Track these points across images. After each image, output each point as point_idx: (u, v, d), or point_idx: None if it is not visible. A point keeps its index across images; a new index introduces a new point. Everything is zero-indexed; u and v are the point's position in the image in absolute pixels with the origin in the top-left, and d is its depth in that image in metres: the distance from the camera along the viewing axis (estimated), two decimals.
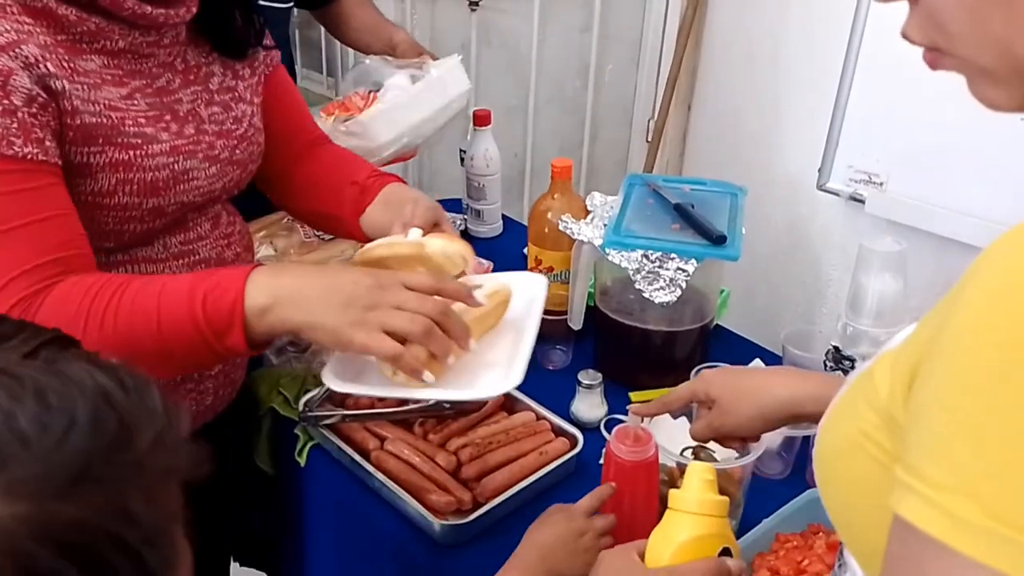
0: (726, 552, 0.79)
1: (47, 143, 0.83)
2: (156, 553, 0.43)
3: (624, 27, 2.45)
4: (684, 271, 1.23)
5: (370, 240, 1.06)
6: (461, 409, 1.18)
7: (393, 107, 1.53)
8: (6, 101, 0.80)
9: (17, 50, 0.81)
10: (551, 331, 1.38)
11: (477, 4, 2.21)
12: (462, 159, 1.81)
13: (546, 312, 1.39)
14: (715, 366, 1.23)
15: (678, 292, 1.23)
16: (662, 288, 1.23)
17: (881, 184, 1.78)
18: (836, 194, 1.86)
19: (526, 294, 1.04)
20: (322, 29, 2.59)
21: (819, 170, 1.88)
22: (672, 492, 0.81)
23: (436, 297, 0.86)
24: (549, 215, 1.41)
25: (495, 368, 0.94)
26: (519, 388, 1.20)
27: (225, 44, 1.04)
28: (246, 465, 1.28)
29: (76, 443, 0.41)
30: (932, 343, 0.43)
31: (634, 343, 1.34)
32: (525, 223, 1.55)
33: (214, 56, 1.04)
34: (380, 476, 1.09)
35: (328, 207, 1.16)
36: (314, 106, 2.16)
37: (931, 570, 0.40)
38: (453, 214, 1.82)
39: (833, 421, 0.57)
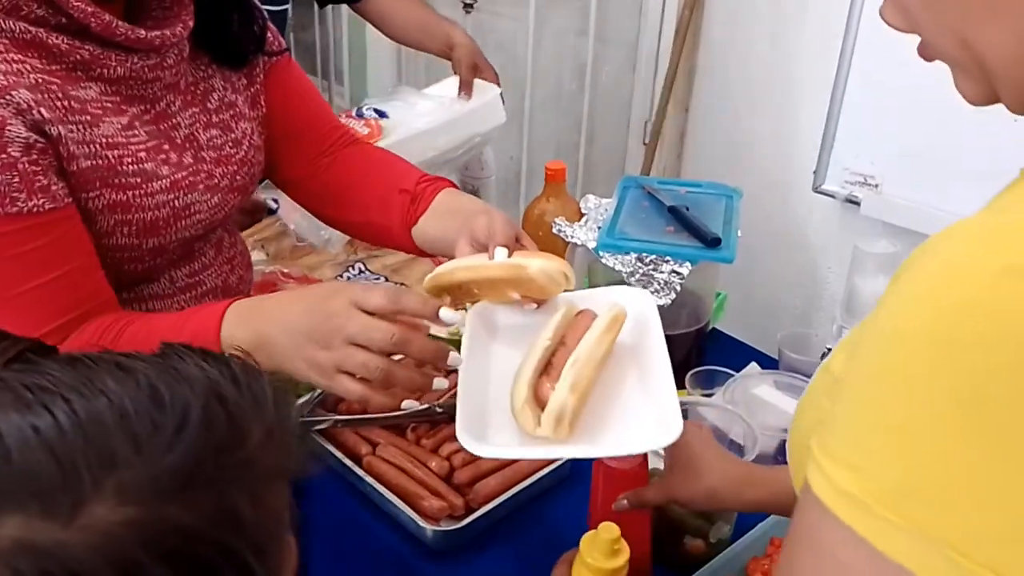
0: None
1: (53, 187, 0.81)
2: (263, 560, 0.41)
3: (620, 30, 2.44)
4: (679, 274, 1.22)
5: (423, 252, 1.02)
6: (454, 414, 1.17)
7: (421, 133, 1.49)
8: (3, 155, 0.77)
9: (8, 96, 0.78)
10: None
11: (472, 6, 2.20)
12: None
13: None
14: (714, 370, 1.23)
15: (673, 295, 1.22)
16: (657, 291, 1.22)
17: (876, 186, 1.78)
18: (832, 196, 1.86)
19: (632, 313, 0.88)
20: (317, 32, 2.60)
21: (814, 172, 1.88)
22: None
23: (396, 323, 0.78)
24: (544, 218, 1.40)
25: (641, 414, 0.81)
26: None
27: (225, 54, 1.00)
28: None
29: (187, 444, 0.39)
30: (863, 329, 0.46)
31: None
32: (520, 226, 1.54)
33: (213, 69, 1.00)
34: (372, 481, 1.08)
35: (372, 215, 1.08)
36: None
37: (817, 534, 0.43)
38: None
39: (799, 414, 0.59)
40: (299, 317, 0.78)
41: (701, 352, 1.35)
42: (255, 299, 0.86)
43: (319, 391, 1.18)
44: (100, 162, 0.85)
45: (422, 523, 1.02)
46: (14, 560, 0.33)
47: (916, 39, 0.52)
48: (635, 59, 2.49)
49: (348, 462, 1.11)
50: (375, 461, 1.11)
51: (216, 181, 0.97)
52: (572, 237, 1.29)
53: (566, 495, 1.09)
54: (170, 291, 0.98)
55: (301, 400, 1.19)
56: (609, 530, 0.79)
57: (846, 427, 0.43)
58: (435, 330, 1.11)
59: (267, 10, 1.62)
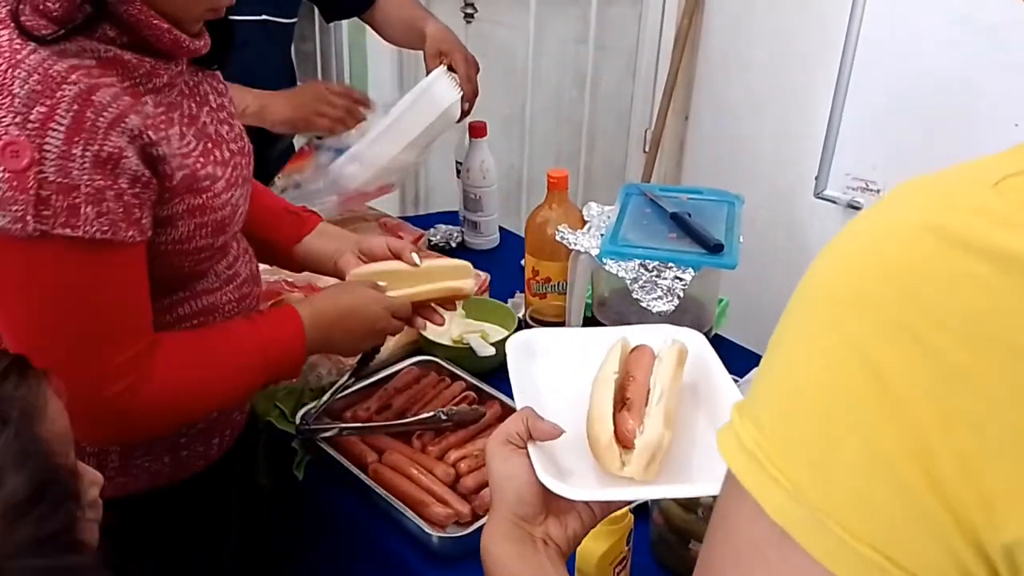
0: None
1: (143, 222, 0.85)
2: None
3: (620, 38, 2.45)
4: (681, 280, 1.23)
5: (300, 268, 1.24)
6: (459, 421, 1.17)
7: (386, 128, 1.53)
8: (116, 186, 0.81)
9: (123, 124, 0.81)
10: None
11: (472, 16, 2.21)
12: (458, 171, 1.81)
13: (543, 323, 1.40)
14: None
15: (676, 301, 1.23)
16: (660, 297, 1.23)
17: (878, 191, 1.78)
18: (833, 202, 1.86)
19: (694, 353, 0.85)
20: (318, 43, 2.61)
21: (816, 178, 1.88)
22: None
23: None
24: (546, 226, 1.40)
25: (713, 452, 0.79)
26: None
27: (211, 55, 1.01)
28: (249, 479, 1.27)
29: None
30: None
31: None
32: (523, 235, 1.55)
33: (199, 72, 1.01)
34: (378, 489, 1.08)
35: (262, 231, 1.18)
36: None
37: (722, 496, 0.41)
38: (450, 226, 1.82)
39: None
40: (354, 325, 1.09)
41: None
42: (317, 315, 1.05)
43: (325, 400, 1.19)
44: (187, 171, 0.89)
45: (428, 529, 1.02)
46: None
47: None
48: (635, 67, 2.50)
49: (354, 470, 1.11)
50: (381, 468, 1.11)
51: (244, 172, 1.02)
52: (575, 244, 1.30)
53: None
54: (216, 284, 1.02)
55: (307, 407, 1.19)
56: None
57: (759, 379, 0.40)
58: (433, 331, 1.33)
59: (278, 23, 1.64)
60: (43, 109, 0.76)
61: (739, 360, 1.40)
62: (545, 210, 1.43)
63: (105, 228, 0.81)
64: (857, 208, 1.81)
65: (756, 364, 1.49)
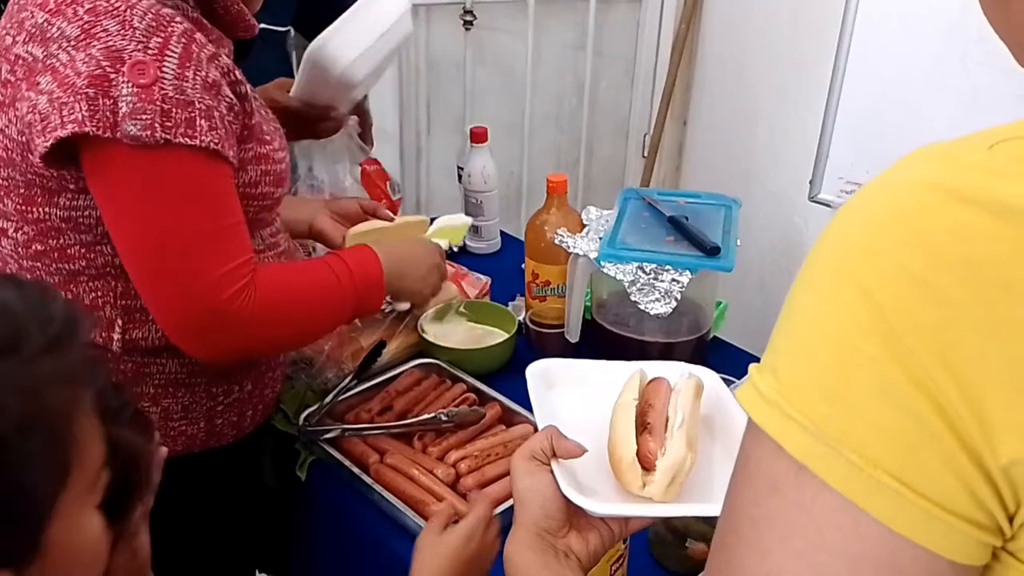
0: None
1: (233, 151, 0.93)
2: (26, 436, 0.49)
3: (618, 44, 2.47)
4: (679, 282, 1.24)
5: None
6: (460, 422, 1.19)
7: (337, 29, 1.37)
8: (219, 109, 0.89)
9: (218, 60, 0.91)
10: (548, 345, 1.40)
11: (471, 23, 2.23)
12: (459, 176, 1.83)
13: (543, 325, 1.42)
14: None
15: (673, 304, 1.24)
16: (657, 300, 1.24)
17: None
18: (828, 205, 1.88)
19: (709, 388, 0.87)
20: None
21: (810, 181, 1.90)
22: None
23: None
24: (545, 229, 1.42)
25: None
26: (517, 401, 1.22)
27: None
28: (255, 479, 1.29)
29: None
30: None
31: (631, 355, 1.34)
32: (523, 238, 1.56)
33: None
34: (380, 489, 1.09)
35: None
36: None
37: (745, 447, 0.43)
38: None
39: None
40: (420, 261, 1.25)
41: (702, 361, 1.37)
42: (387, 252, 1.15)
43: (327, 402, 1.20)
44: (257, 119, 0.98)
45: None
46: None
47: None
48: (633, 73, 2.52)
49: (356, 470, 1.13)
50: (382, 469, 1.13)
51: (287, 148, 1.08)
52: (574, 248, 1.31)
53: None
54: (261, 247, 1.08)
55: (310, 409, 1.21)
56: None
57: (775, 335, 0.43)
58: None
59: (270, 29, 1.66)
60: (159, 39, 0.86)
61: (737, 362, 1.41)
62: (545, 214, 1.45)
63: (216, 141, 0.89)
64: None
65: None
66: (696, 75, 2.37)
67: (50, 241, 0.96)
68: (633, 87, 2.54)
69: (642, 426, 0.77)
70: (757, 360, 1.26)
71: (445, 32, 2.26)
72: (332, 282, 1.06)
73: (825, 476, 0.38)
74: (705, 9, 2.28)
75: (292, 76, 1.85)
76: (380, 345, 1.30)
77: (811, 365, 0.39)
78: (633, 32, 2.46)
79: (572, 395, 0.88)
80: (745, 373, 1.43)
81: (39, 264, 0.97)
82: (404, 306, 1.34)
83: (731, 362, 1.39)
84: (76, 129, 0.84)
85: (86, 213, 0.94)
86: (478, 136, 1.76)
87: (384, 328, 1.36)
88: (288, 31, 1.74)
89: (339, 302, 1.08)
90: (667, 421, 0.78)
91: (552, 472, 0.73)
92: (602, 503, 0.73)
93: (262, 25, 1.61)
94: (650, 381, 0.85)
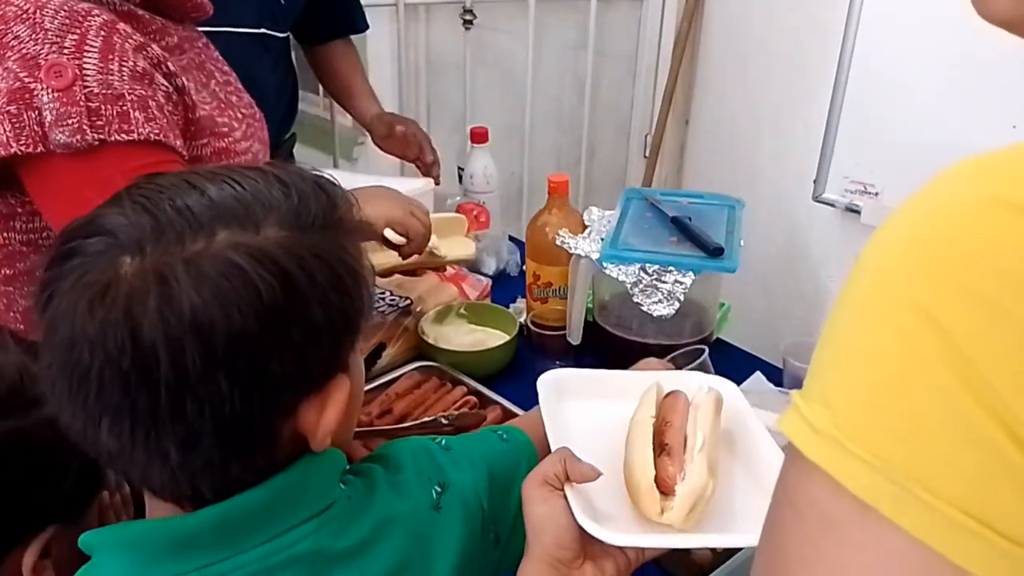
0: None
1: (178, 141, 0.89)
2: (356, 288, 0.60)
3: (619, 44, 2.46)
4: (682, 284, 1.23)
5: None
6: (460, 425, 1.18)
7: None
8: (155, 98, 0.84)
9: (147, 51, 0.85)
10: (550, 347, 1.38)
11: (471, 23, 2.22)
12: (460, 177, 1.82)
13: (544, 327, 1.40)
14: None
15: (676, 305, 1.23)
16: (660, 301, 1.23)
17: (876, 194, 1.78)
18: (832, 205, 1.87)
19: (728, 403, 0.85)
20: None
21: (814, 181, 1.89)
22: None
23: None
24: (547, 230, 1.41)
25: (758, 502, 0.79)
26: (519, 404, 1.20)
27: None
28: None
29: (310, 202, 0.59)
30: None
31: (633, 357, 1.33)
32: (524, 240, 1.55)
33: (202, 54, 1.04)
34: None
35: None
36: (309, 127, 2.18)
37: (794, 483, 0.40)
38: None
39: None
40: (382, 192, 1.25)
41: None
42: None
43: None
44: (206, 112, 0.93)
45: None
46: (232, 252, 0.53)
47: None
48: (634, 72, 2.51)
49: None
50: None
51: (260, 134, 1.05)
52: (576, 249, 1.30)
53: None
54: None
55: None
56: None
57: (820, 363, 0.40)
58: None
59: (277, 37, 1.65)
60: (75, 36, 0.81)
61: (740, 364, 1.40)
62: (546, 215, 1.43)
63: (156, 131, 0.84)
64: (855, 211, 1.81)
65: (756, 367, 1.48)
66: (698, 74, 2.36)
67: (17, 264, 0.93)
68: (634, 86, 2.53)
69: (660, 447, 0.74)
70: (761, 362, 1.24)
71: (445, 32, 2.25)
72: None
73: (894, 516, 0.35)
74: (707, 7, 2.27)
75: (292, 82, 1.85)
76: (380, 347, 1.28)
77: (870, 396, 0.37)
78: (634, 31, 2.45)
79: (585, 408, 0.85)
80: (748, 375, 1.41)
81: (12, 288, 0.94)
82: (405, 302, 1.32)
83: (734, 364, 1.38)
84: (2, 153, 0.79)
85: (44, 235, 0.90)
86: (479, 136, 1.75)
87: (384, 330, 1.35)
88: (287, 37, 1.73)
89: None
90: (686, 440, 0.75)
91: (566, 498, 0.70)
92: (619, 533, 0.69)
93: (262, 31, 1.62)
94: (667, 395, 0.81)
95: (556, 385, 0.86)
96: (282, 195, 0.58)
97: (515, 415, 1.21)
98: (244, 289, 0.52)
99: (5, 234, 0.90)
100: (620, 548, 0.71)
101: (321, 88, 2.49)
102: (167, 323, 0.51)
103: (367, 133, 1.82)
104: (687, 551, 0.99)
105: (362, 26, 1.86)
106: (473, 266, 1.59)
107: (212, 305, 0.51)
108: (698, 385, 0.83)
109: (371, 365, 1.25)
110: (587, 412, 0.84)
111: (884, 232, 0.39)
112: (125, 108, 0.82)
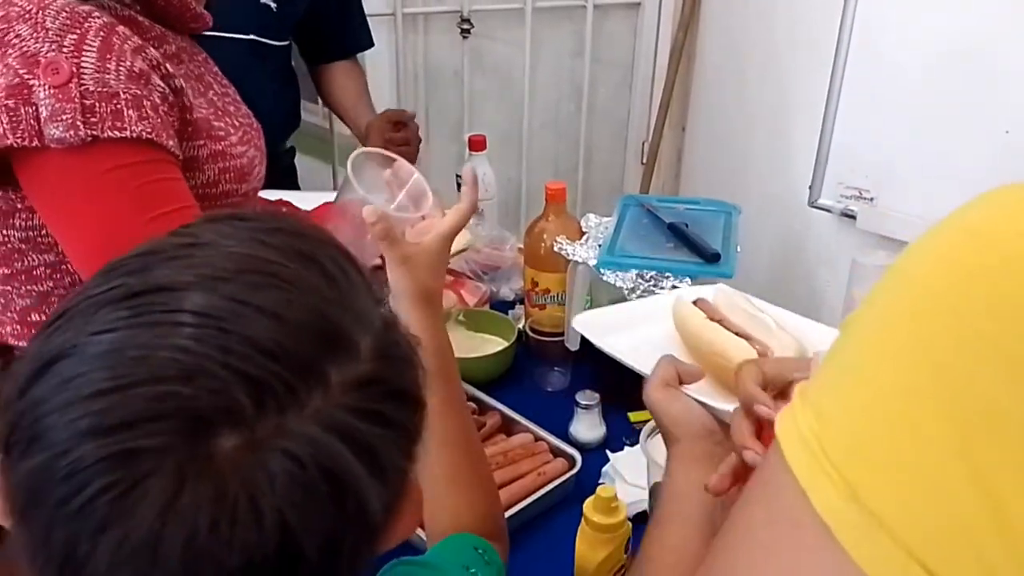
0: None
1: (172, 141, 0.90)
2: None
3: (616, 51, 2.48)
4: (678, 289, 1.24)
5: None
6: None
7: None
8: (151, 98, 0.86)
9: (145, 53, 0.87)
10: (548, 353, 1.39)
11: (469, 31, 2.23)
12: (458, 184, 1.82)
13: (543, 334, 1.41)
14: None
15: None
16: None
17: (871, 199, 1.80)
18: (828, 210, 1.88)
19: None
20: None
21: (810, 187, 1.90)
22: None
23: None
24: (544, 237, 1.42)
25: None
26: (517, 410, 1.21)
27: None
28: None
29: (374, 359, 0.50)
30: None
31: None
32: (522, 247, 1.56)
33: (200, 67, 1.05)
34: None
35: None
36: (309, 136, 2.19)
37: (770, 477, 0.40)
38: None
39: None
40: None
41: None
42: None
43: None
44: (202, 114, 0.95)
45: (425, 535, 1.03)
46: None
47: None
48: (631, 80, 2.52)
49: None
50: None
51: (257, 141, 1.06)
52: (573, 255, 1.31)
53: (573, 511, 1.09)
54: None
55: None
56: (606, 490, 0.91)
57: (828, 369, 0.39)
58: None
59: (272, 45, 1.66)
60: (74, 36, 0.83)
61: None
62: (543, 221, 1.44)
63: (149, 130, 0.85)
64: (851, 216, 1.82)
65: None
66: (694, 82, 2.37)
67: (15, 264, 0.93)
68: (631, 94, 2.54)
69: (735, 333, 0.85)
70: None
71: (443, 40, 2.26)
72: None
73: (847, 544, 0.34)
74: (703, 16, 2.28)
75: (293, 94, 1.86)
76: None
77: (856, 421, 0.35)
78: (631, 39, 2.47)
79: (629, 337, 0.94)
80: None
81: (10, 288, 0.95)
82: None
83: None
84: None
85: (43, 232, 0.91)
86: (476, 144, 1.76)
87: None
88: (285, 47, 1.74)
89: None
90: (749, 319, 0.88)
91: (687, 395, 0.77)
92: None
93: (251, 37, 1.63)
94: (695, 302, 0.93)
95: (596, 323, 0.97)
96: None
97: (514, 421, 1.22)
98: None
99: (4, 231, 0.91)
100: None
101: (321, 100, 2.51)
102: None
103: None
104: None
105: (366, 43, 1.86)
106: (494, 296, 1.61)
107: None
108: (712, 292, 0.97)
109: None
110: (632, 339, 0.94)
111: (928, 249, 0.37)
112: (119, 106, 0.84)
